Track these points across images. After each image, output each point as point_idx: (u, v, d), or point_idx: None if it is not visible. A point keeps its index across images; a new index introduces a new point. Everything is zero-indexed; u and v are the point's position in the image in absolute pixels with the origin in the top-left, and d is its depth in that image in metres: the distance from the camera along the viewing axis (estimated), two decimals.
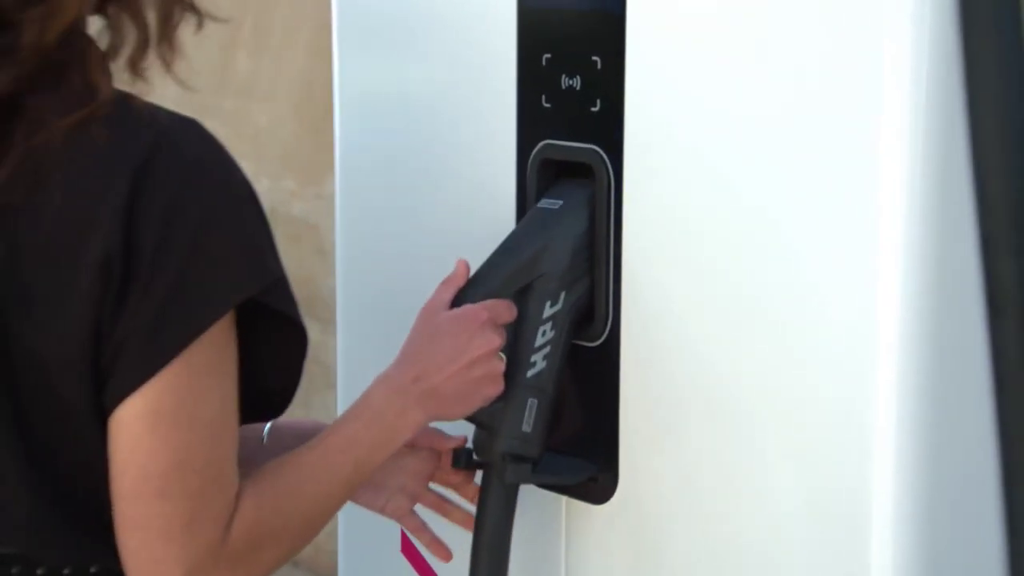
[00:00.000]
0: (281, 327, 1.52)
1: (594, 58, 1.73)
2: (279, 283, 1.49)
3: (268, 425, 1.74)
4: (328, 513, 1.59)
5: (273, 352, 1.54)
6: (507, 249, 1.73)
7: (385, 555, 1.99)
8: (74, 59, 1.45)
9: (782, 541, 1.64)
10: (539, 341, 1.72)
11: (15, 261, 1.43)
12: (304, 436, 1.63)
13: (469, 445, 1.77)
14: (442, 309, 1.69)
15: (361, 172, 2.06)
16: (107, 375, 1.43)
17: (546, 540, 1.84)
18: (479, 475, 1.78)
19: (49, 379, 1.44)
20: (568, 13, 1.77)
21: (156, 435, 1.43)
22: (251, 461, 1.52)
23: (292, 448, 1.58)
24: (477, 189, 1.88)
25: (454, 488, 1.82)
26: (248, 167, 1.54)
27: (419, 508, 1.82)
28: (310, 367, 1.60)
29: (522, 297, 1.72)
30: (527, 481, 1.74)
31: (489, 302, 1.69)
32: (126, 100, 1.47)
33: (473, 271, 1.72)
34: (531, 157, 1.81)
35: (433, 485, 1.82)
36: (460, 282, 1.71)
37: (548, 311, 1.72)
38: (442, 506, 1.82)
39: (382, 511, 1.81)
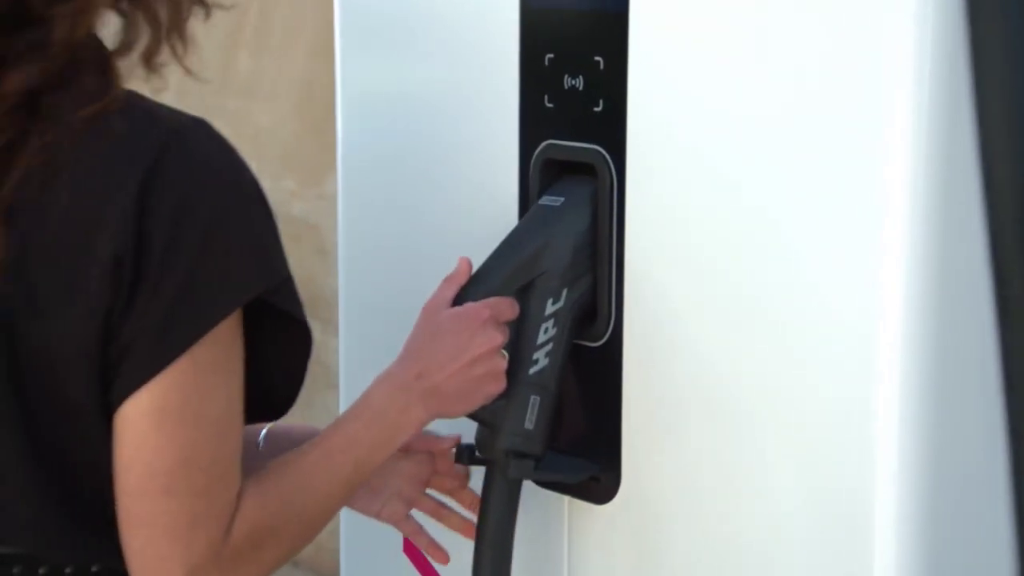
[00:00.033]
0: (286, 327, 1.53)
1: (597, 58, 1.73)
2: (286, 283, 1.50)
3: (264, 431, 1.74)
4: (329, 512, 1.59)
5: (278, 352, 1.54)
6: (509, 246, 1.74)
7: (387, 554, 1.99)
8: (86, 57, 1.45)
9: (784, 541, 1.64)
10: (541, 338, 1.72)
11: (23, 260, 1.43)
12: (297, 441, 1.63)
13: (470, 442, 1.77)
14: (444, 307, 1.70)
15: (363, 172, 2.06)
16: (114, 373, 1.44)
17: (548, 540, 1.84)
18: (475, 481, 1.78)
19: (56, 378, 1.44)
20: (571, 13, 1.77)
21: (162, 432, 1.43)
22: (247, 467, 1.52)
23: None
24: (479, 189, 1.88)
25: (449, 493, 1.82)
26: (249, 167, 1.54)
27: (418, 513, 1.82)
28: (311, 367, 1.61)
29: (524, 294, 1.72)
30: (529, 477, 1.74)
31: (491, 300, 1.69)
32: (135, 99, 1.47)
33: (475, 269, 1.73)
34: (534, 157, 1.81)
35: (430, 490, 1.82)
36: (462, 280, 1.71)
37: (550, 308, 1.72)
38: (438, 511, 1.83)
39: (378, 516, 1.81)
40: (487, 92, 1.86)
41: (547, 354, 1.72)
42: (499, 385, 1.69)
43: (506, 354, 1.69)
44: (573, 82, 1.76)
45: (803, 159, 1.59)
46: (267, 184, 1.54)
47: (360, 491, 1.71)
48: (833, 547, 1.60)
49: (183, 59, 1.48)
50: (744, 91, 1.62)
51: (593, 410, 1.79)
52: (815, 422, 1.60)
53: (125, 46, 1.47)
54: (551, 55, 1.78)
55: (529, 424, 1.72)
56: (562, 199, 1.75)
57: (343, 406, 1.95)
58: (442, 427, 1.76)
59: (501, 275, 1.71)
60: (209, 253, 1.44)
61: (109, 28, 1.49)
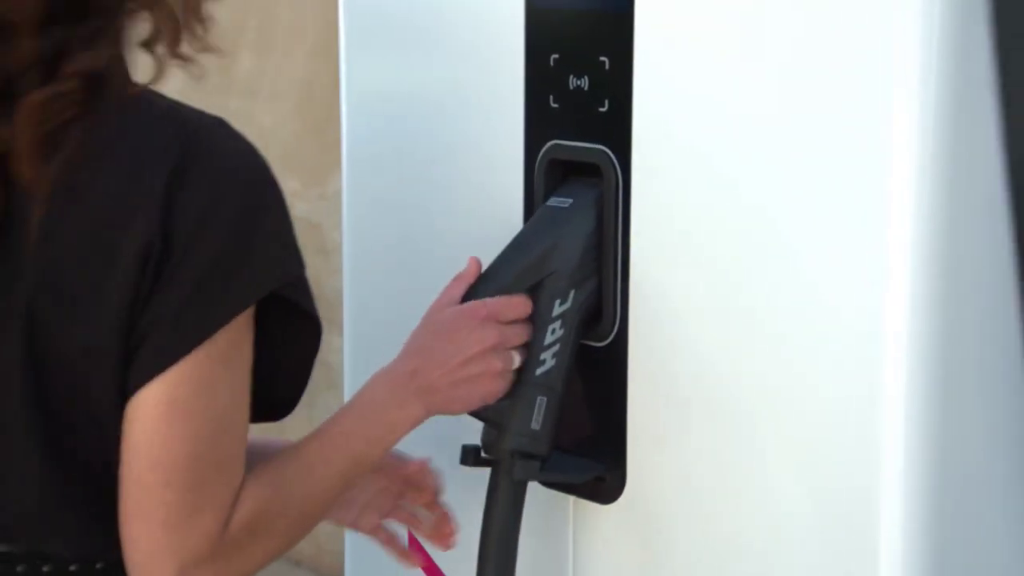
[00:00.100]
0: (295, 323, 1.54)
1: (602, 58, 1.73)
2: (300, 278, 1.52)
3: None
4: (325, 506, 1.60)
5: (285, 349, 1.55)
6: (517, 246, 1.74)
7: (391, 555, 1.99)
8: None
9: (790, 541, 1.64)
10: (548, 339, 1.72)
11: (49, 253, 1.44)
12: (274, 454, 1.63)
13: (475, 443, 1.77)
14: (451, 306, 1.70)
15: (367, 172, 2.06)
16: (130, 364, 1.45)
17: (553, 540, 1.84)
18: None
19: (76, 374, 1.45)
20: (576, 13, 1.77)
21: (171, 423, 1.44)
22: None
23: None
24: (485, 189, 1.88)
25: (425, 507, 1.83)
26: None
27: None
28: (314, 366, 1.61)
29: (531, 295, 1.72)
30: (535, 478, 1.74)
31: (490, 299, 1.69)
32: (156, 97, 1.49)
33: (483, 269, 1.73)
34: (539, 157, 1.81)
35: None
36: (471, 279, 1.72)
37: (558, 309, 1.72)
38: (412, 520, 1.84)
39: (353, 526, 1.83)
40: (492, 92, 1.86)
41: (554, 355, 1.72)
42: (494, 385, 1.68)
43: (516, 353, 1.69)
44: (578, 82, 1.76)
45: (808, 159, 1.59)
46: None
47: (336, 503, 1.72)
48: (838, 547, 1.60)
49: (205, 39, 1.50)
50: (749, 91, 1.62)
51: (598, 410, 1.79)
52: (820, 422, 1.60)
53: (153, 39, 1.49)
54: (556, 55, 1.78)
55: (535, 425, 1.72)
56: (570, 200, 1.75)
57: None
58: (443, 425, 1.77)
59: (509, 274, 1.72)
60: (231, 248, 1.46)
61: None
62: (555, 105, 1.79)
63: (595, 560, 1.81)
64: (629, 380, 1.74)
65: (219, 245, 1.45)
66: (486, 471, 1.76)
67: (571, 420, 1.77)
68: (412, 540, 1.94)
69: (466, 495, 1.83)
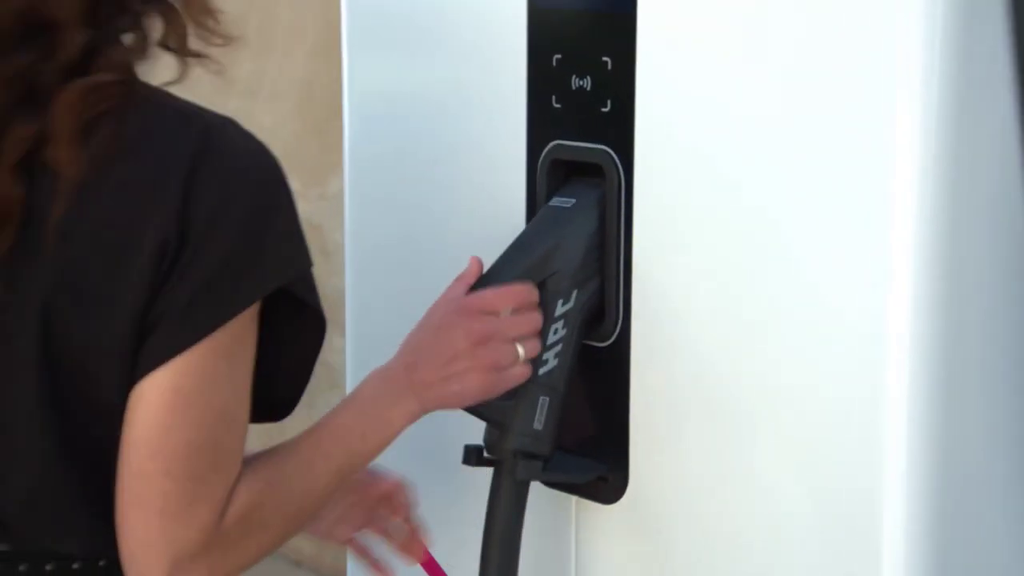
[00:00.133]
0: (297, 321, 1.55)
1: (604, 59, 1.73)
2: (307, 275, 1.53)
3: None
4: (319, 502, 1.60)
5: (288, 349, 1.56)
6: (520, 246, 1.74)
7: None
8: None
9: (792, 541, 1.64)
10: (551, 339, 1.72)
11: (67, 250, 1.45)
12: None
13: (478, 443, 1.77)
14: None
15: (370, 172, 2.06)
16: (138, 357, 1.46)
17: (556, 540, 1.84)
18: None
19: (88, 370, 1.46)
20: (579, 14, 1.77)
21: (174, 412, 1.45)
22: None
23: None
24: (487, 189, 1.88)
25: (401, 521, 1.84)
26: None
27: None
28: (315, 367, 1.62)
29: None
30: (537, 478, 1.74)
31: (485, 290, 1.69)
32: (167, 97, 1.50)
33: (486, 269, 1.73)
34: (541, 157, 1.81)
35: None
36: (472, 279, 1.72)
37: (560, 309, 1.72)
38: (386, 532, 1.84)
39: (326, 538, 1.83)
40: (494, 92, 1.86)
41: (556, 355, 1.72)
42: (488, 378, 1.67)
43: (520, 345, 1.68)
44: (581, 82, 1.76)
45: (810, 160, 1.59)
46: None
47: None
48: (841, 548, 1.60)
49: (218, 30, 1.52)
50: (752, 91, 1.62)
51: (601, 410, 1.79)
52: (822, 423, 1.60)
53: (168, 36, 1.51)
54: (559, 55, 1.78)
55: (538, 425, 1.72)
56: (573, 200, 1.75)
57: None
58: (446, 425, 1.77)
59: (512, 274, 1.71)
60: (241, 248, 1.47)
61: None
62: (557, 105, 1.79)
63: (597, 560, 1.82)
64: (631, 380, 1.74)
65: (230, 245, 1.46)
66: (489, 471, 1.76)
67: (573, 420, 1.77)
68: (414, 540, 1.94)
69: (469, 495, 1.83)
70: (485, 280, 1.72)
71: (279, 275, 1.50)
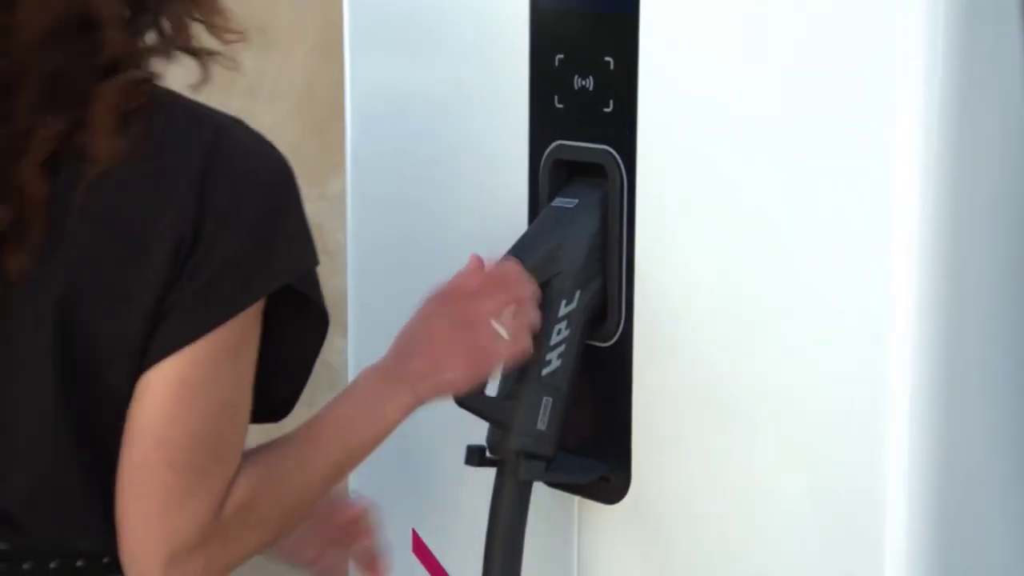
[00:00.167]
0: (299, 319, 1.56)
1: (607, 59, 1.73)
2: (312, 272, 1.54)
3: None
4: (317, 496, 1.61)
5: (289, 347, 1.57)
6: (522, 247, 1.74)
7: (396, 554, 1.99)
8: None
9: (795, 541, 1.64)
10: (554, 339, 1.72)
11: (85, 247, 1.46)
12: None
13: (480, 443, 1.77)
14: None
15: (372, 172, 2.07)
16: (147, 346, 1.47)
17: (558, 540, 1.84)
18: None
19: (102, 369, 1.47)
20: (581, 14, 1.77)
21: (179, 402, 1.46)
22: None
23: None
24: (489, 190, 1.88)
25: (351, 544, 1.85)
26: None
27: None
28: (315, 367, 1.62)
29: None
30: (540, 478, 1.74)
31: (457, 274, 1.69)
32: (176, 97, 1.51)
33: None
34: (544, 157, 1.81)
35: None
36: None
37: (564, 309, 1.72)
38: (348, 554, 1.85)
39: (288, 560, 1.83)
40: (497, 92, 1.86)
41: (560, 355, 1.72)
42: (470, 362, 1.67)
43: (500, 325, 1.67)
44: (583, 82, 1.76)
45: (812, 160, 1.59)
46: None
47: None
48: (843, 548, 1.60)
49: (230, 27, 1.53)
50: (754, 91, 1.62)
51: (603, 410, 1.79)
52: (824, 423, 1.60)
53: (183, 36, 1.52)
54: (561, 55, 1.78)
55: (541, 425, 1.72)
56: (575, 201, 1.75)
57: None
58: (448, 425, 1.77)
59: None
60: (251, 249, 1.48)
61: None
62: (560, 105, 1.79)
63: (600, 560, 1.82)
64: (634, 380, 1.74)
65: (240, 245, 1.48)
66: (491, 471, 1.76)
67: (576, 420, 1.77)
68: (416, 540, 1.94)
69: (471, 495, 1.83)
70: None
71: (287, 274, 1.51)
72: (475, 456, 1.76)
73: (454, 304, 1.68)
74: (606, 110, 1.74)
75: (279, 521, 1.57)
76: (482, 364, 1.68)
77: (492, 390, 1.74)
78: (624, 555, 1.79)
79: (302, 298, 1.54)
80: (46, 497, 1.49)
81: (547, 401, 1.72)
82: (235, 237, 1.47)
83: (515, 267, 1.70)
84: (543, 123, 1.81)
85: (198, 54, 1.52)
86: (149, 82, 1.49)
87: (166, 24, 1.51)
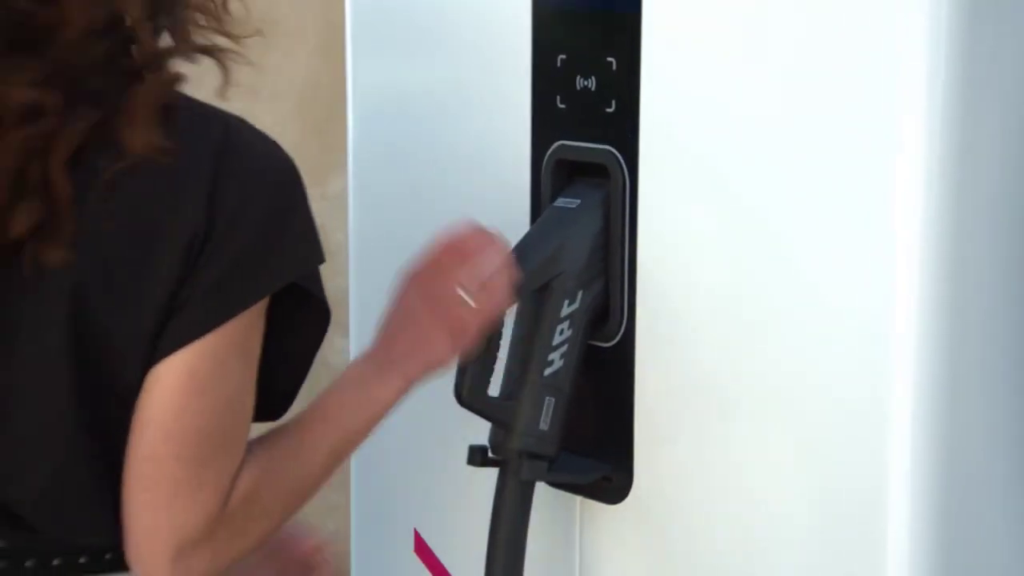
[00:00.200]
0: (300, 314, 1.57)
1: (609, 59, 1.73)
2: (316, 270, 1.57)
3: None
4: (317, 484, 1.62)
5: (289, 343, 1.58)
6: (525, 247, 1.74)
7: (398, 555, 1.99)
8: None
9: (797, 540, 1.64)
10: (556, 340, 1.72)
11: (100, 242, 1.47)
12: None
13: (483, 443, 1.77)
14: None
15: (373, 172, 2.07)
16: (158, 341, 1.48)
17: (560, 540, 1.84)
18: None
19: (114, 365, 1.48)
20: (583, 14, 1.77)
21: (188, 395, 1.48)
22: None
23: None
24: (491, 190, 1.88)
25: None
26: None
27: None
28: (315, 367, 1.63)
29: (540, 296, 1.72)
30: (542, 479, 1.75)
31: (424, 249, 1.70)
32: (183, 96, 1.52)
33: None
34: (546, 158, 1.81)
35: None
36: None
37: (566, 310, 1.73)
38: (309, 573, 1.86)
39: None
40: (499, 93, 1.86)
41: (562, 355, 1.73)
42: (448, 335, 1.67)
43: (466, 293, 1.67)
44: (585, 83, 1.76)
45: (814, 160, 1.59)
46: None
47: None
48: (845, 547, 1.60)
49: (242, 25, 1.55)
50: (756, 92, 1.62)
51: (605, 410, 1.79)
52: (826, 423, 1.61)
53: (197, 36, 1.53)
54: (563, 56, 1.78)
55: (544, 425, 1.72)
56: (578, 201, 1.75)
57: None
58: (450, 425, 1.77)
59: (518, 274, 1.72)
60: (259, 248, 1.50)
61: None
62: (562, 105, 1.79)
63: (602, 560, 1.82)
64: (636, 380, 1.75)
65: (248, 244, 1.50)
66: (494, 471, 1.76)
67: (578, 420, 1.77)
68: (419, 540, 1.94)
69: (474, 495, 1.83)
70: None
71: (294, 272, 1.53)
72: (477, 456, 1.76)
73: (422, 281, 1.69)
74: (608, 110, 1.74)
75: (281, 511, 1.58)
76: (460, 335, 1.68)
77: (495, 390, 1.75)
78: (626, 555, 1.80)
79: (304, 292, 1.56)
80: (57, 494, 1.50)
81: (549, 401, 1.72)
82: (244, 236, 1.49)
83: (476, 231, 1.70)
84: (545, 123, 1.81)
85: (217, 55, 1.53)
86: (180, 82, 1.51)
87: (179, 25, 1.51)
